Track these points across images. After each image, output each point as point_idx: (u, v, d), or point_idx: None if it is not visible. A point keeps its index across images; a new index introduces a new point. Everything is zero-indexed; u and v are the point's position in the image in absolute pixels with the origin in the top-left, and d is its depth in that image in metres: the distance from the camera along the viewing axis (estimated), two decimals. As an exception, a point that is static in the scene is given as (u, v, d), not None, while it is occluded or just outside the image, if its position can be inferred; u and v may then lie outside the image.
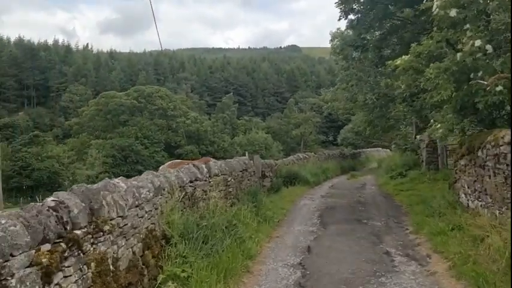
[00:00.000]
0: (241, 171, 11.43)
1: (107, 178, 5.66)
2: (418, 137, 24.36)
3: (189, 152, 78.66)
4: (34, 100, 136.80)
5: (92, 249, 4.21)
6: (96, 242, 4.31)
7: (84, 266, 4.01)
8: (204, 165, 8.88)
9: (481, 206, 9.60)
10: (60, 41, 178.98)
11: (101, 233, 4.43)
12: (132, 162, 78.36)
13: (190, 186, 7.85)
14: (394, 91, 29.05)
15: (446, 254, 7.30)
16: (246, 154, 15.58)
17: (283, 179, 18.44)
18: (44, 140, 73.25)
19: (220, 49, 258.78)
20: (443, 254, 7.44)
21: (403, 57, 10.18)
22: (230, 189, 10.13)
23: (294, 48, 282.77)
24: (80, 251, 3.96)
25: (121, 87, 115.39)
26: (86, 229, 4.13)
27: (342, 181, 24.21)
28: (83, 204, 4.20)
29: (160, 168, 15.35)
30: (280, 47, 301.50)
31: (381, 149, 57.32)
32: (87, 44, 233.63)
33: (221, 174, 9.68)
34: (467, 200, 10.56)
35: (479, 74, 9.13)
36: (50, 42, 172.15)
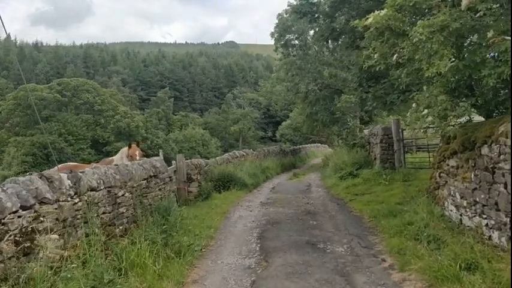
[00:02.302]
0: (145, 179, 7.87)
1: None
2: (365, 131, 21.89)
3: (118, 149, 73.14)
4: None
5: None
6: None
7: None
8: (65, 175, 5.28)
9: (486, 225, 6.73)
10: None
11: None
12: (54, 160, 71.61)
13: (21, 217, 4.24)
14: (338, 82, 26.74)
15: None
16: (160, 153, 12.01)
17: (215, 182, 15.09)
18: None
19: (156, 43, 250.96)
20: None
21: (377, 12, 7.09)
22: (122, 210, 6.58)
23: (231, 44, 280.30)
24: None
25: (47, 81, 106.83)
26: None
27: (284, 182, 21.18)
28: None
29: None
30: (218, 43, 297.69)
31: (320, 144, 56.00)
32: (9, 34, 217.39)
33: (104, 187, 6.11)
34: (460, 215, 7.70)
35: (490, 33, 6.19)
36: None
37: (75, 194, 5.27)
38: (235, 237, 9.02)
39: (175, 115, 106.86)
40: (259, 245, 8.22)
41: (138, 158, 9.85)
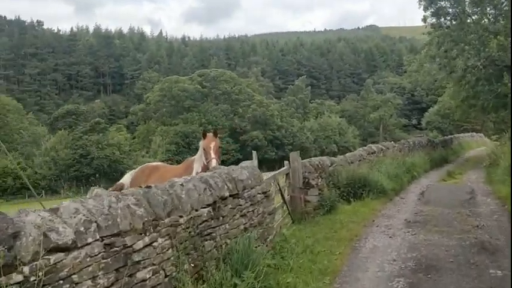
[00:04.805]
0: (210, 204, 4.81)
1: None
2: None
3: (254, 137, 73.16)
4: (110, 88, 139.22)
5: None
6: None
7: None
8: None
9: None
10: (136, 29, 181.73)
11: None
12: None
13: None
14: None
15: None
16: (254, 155, 8.87)
17: (343, 188, 11.55)
18: (106, 127, 71.33)
19: (295, 33, 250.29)
20: None
21: None
22: (143, 274, 3.55)
23: (372, 28, 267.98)
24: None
25: (193, 73, 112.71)
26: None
27: (435, 184, 16.66)
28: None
29: (129, 173, 9.38)
30: (358, 27, 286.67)
31: (474, 134, 48.76)
32: (160, 31, 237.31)
33: (99, 238, 3.17)
34: None
35: None
36: (125, 30, 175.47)
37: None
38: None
39: (311, 103, 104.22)
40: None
41: (212, 153, 7.04)
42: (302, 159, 10.76)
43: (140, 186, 4.35)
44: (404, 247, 7.76)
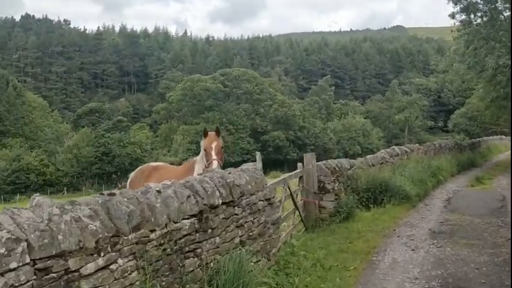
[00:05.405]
0: (195, 215, 4.03)
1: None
2: None
3: (275, 138, 72.27)
4: (134, 86, 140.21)
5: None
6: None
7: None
8: None
9: None
10: (161, 29, 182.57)
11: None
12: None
13: None
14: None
15: None
16: (257, 156, 8.07)
17: (362, 193, 10.65)
18: (128, 126, 71.56)
19: (320, 33, 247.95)
20: None
21: None
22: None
23: (399, 29, 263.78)
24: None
25: (215, 73, 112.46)
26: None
27: (463, 190, 15.54)
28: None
29: (131, 175, 8.82)
30: (385, 28, 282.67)
31: (503, 137, 46.89)
32: (185, 30, 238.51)
33: (28, 262, 2.47)
34: None
35: None
36: (151, 30, 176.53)
37: None
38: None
39: (335, 103, 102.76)
40: None
41: (213, 154, 6.31)
42: (325, 160, 9.95)
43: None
44: (429, 262, 6.86)
